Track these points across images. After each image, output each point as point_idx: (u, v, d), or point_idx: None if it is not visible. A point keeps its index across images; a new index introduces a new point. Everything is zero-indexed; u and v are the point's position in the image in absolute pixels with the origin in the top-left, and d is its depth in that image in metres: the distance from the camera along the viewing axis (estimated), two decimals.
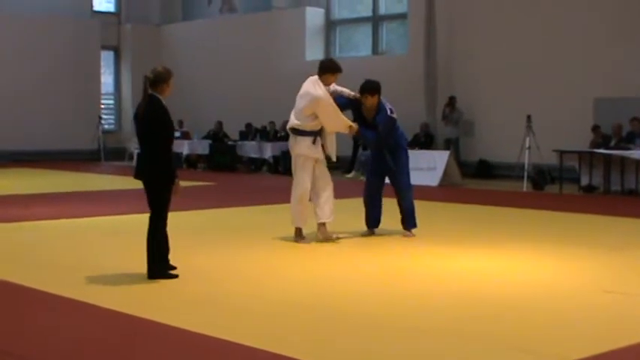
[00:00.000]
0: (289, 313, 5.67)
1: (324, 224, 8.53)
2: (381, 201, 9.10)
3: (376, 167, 9.08)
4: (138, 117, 6.71)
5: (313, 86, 8.52)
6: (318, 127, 8.48)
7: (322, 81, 8.58)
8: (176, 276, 6.67)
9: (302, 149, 8.48)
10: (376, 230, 9.08)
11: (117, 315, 5.54)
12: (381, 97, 8.96)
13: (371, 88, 8.90)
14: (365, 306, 5.89)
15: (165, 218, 6.71)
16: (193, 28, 25.39)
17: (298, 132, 8.51)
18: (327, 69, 8.73)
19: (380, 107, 8.90)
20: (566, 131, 15.95)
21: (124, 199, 13.40)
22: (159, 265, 6.66)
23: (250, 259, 7.71)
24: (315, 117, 8.44)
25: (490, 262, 7.70)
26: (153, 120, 6.61)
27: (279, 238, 8.82)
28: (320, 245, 8.46)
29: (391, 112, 8.87)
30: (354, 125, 8.72)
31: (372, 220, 9.08)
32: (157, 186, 6.64)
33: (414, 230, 9.01)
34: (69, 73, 24.29)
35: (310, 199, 8.59)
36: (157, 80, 6.68)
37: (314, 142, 8.44)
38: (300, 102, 8.54)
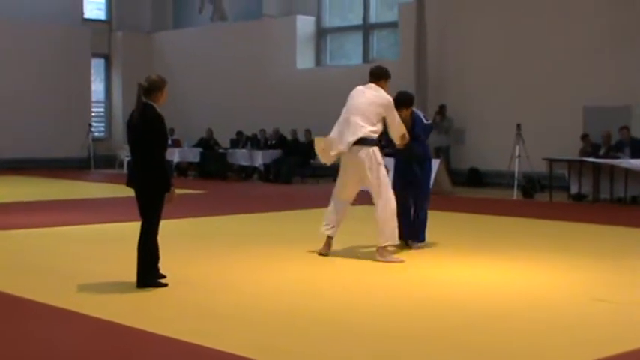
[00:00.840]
0: (278, 322, 5.67)
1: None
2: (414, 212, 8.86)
3: (402, 178, 8.93)
4: (131, 125, 6.69)
5: (378, 92, 8.32)
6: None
7: (381, 87, 8.39)
8: (165, 285, 6.65)
9: (379, 158, 8.23)
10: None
11: (105, 324, 5.52)
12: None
13: (405, 101, 8.79)
14: (356, 315, 5.89)
15: (156, 227, 6.69)
16: (184, 36, 25.41)
17: (369, 141, 8.19)
18: (385, 74, 8.58)
19: (415, 118, 8.83)
20: (556, 140, 16.02)
21: (113, 207, 13.38)
22: (149, 274, 6.64)
23: (242, 268, 7.70)
24: (382, 123, 8.21)
25: (481, 270, 7.72)
26: (146, 128, 6.58)
27: (270, 247, 8.81)
28: (313, 256, 8.45)
29: (426, 119, 8.83)
30: (407, 135, 8.53)
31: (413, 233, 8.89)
32: (148, 194, 6.62)
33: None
34: (59, 81, 24.22)
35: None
36: (151, 88, 6.68)
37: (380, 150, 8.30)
38: (368, 108, 8.23)
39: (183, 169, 21.86)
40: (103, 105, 26.64)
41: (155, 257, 6.70)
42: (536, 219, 11.90)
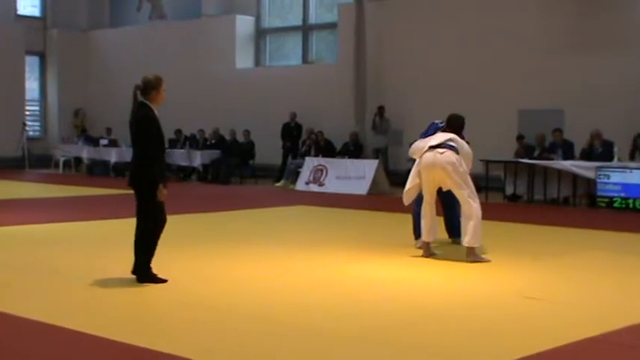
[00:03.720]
0: (217, 323, 5.66)
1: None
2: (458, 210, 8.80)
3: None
4: (129, 124, 6.90)
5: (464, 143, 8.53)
6: None
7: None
8: (165, 280, 6.76)
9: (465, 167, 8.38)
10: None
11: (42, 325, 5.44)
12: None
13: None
14: (292, 314, 5.91)
15: (148, 223, 6.79)
16: (122, 34, 25.10)
17: (456, 150, 8.35)
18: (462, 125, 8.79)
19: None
20: (492, 142, 16.25)
21: (47, 207, 13.16)
22: (145, 269, 6.78)
23: (181, 267, 7.64)
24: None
25: (413, 270, 7.81)
26: (137, 127, 6.78)
27: (209, 245, 8.77)
28: (252, 255, 8.45)
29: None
30: None
31: (454, 229, 9.05)
32: (138, 190, 6.78)
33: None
34: None
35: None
36: (146, 88, 6.85)
37: None
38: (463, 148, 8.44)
39: (120, 169, 21.59)
40: (38, 104, 26.14)
41: (150, 253, 6.80)
42: None
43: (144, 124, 6.74)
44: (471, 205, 8.20)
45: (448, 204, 9.09)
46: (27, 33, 24.79)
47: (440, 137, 8.50)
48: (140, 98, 6.83)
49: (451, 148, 8.32)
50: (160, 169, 6.81)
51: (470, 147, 8.63)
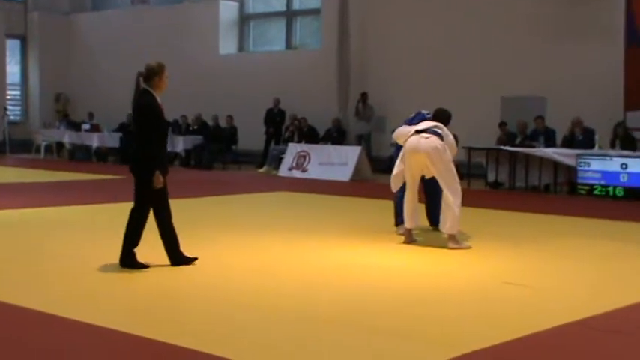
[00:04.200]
0: (198, 308, 5.69)
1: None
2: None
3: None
4: (132, 111, 6.96)
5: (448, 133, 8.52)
6: None
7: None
8: (147, 266, 6.79)
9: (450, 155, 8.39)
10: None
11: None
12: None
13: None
14: (273, 299, 5.93)
15: (142, 211, 6.84)
16: (104, 18, 24.92)
17: (442, 137, 8.35)
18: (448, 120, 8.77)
19: None
20: (475, 129, 16.31)
21: (29, 192, 13.10)
22: (177, 252, 6.89)
23: (163, 254, 7.64)
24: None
25: (394, 256, 7.86)
26: (140, 114, 6.82)
27: (190, 232, 8.76)
28: (230, 240, 8.46)
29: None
30: None
31: (435, 217, 9.04)
32: (143, 178, 6.78)
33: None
34: None
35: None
36: (149, 74, 6.87)
37: None
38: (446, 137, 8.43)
39: (103, 154, 21.54)
40: (19, 88, 25.92)
41: (136, 239, 6.83)
42: None
43: (145, 111, 6.77)
44: (452, 192, 8.25)
45: (431, 192, 9.12)
46: (8, 16, 24.58)
47: (426, 124, 8.54)
48: (143, 85, 6.87)
49: (436, 134, 8.35)
50: (161, 156, 6.84)
51: (455, 141, 8.67)
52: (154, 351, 4.64)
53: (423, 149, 8.26)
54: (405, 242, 8.51)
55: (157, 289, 6.24)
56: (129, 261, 6.80)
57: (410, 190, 8.51)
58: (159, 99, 6.85)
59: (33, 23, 25.47)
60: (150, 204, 6.85)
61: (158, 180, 6.72)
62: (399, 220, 8.96)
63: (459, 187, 8.34)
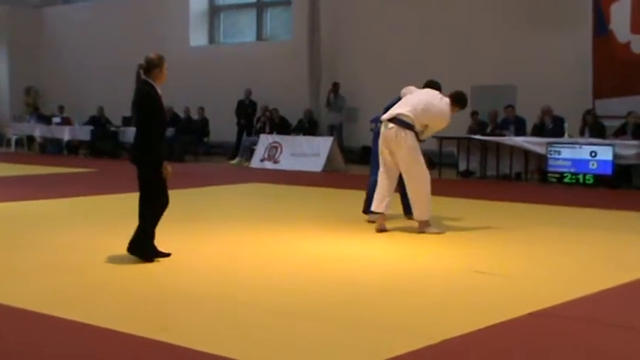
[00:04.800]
0: (165, 300, 5.69)
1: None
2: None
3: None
4: (132, 104, 7.02)
5: (446, 106, 8.61)
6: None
7: (451, 108, 8.65)
8: (169, 254, 6.88)
9: (415, 142, 8.44)
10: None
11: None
12: None
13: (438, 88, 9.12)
14: (247, 291, 5.94)
15: (149, 202, 6.84)
16: (75, 11, 24.72)
17: (407, 125, 8.43)
18: (463, 102, 8.91)
19: None
20: None
21: (1, 186, 12.99)
22: (142, 245, 6.84)
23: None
24: (425, 125, 8.53)
25: (365, 246, 7.89)
26: (142, 105, 6.88)
27: (161, 224, 8.74)
28: (201, 232, 8.46)
29: None
30: None
31: (409, 207, 9.01)
32: (146, 170, 6.81)
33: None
34: None
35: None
36: (149, 67, 6.97)
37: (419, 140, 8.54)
38: (422, 105, 8.53)
39: (73, 147, 21.39)
40: None
41: (150, 231, 6.85)
42: None
43: (147, 103, 6.84)
44: (415, 181, 8.40)
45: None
46: None
47: (398, 107, 8.63)
48: (143, 77, 6.93)
49: (401, 123, 8.41)
50: (163, 147, 6.90)
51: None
52: (135, 347, 4.64)
53: (383, 141, 8.54)
54: (376, 230, 8.56)
55: (138, 280, 6.23)
56: (151, 252, 6.85)
57: (381, 173, 8.63)
58: (159, 90, 6.91)
59: (3, 16, 25.16)
60: (157, 190, 6.84)
61: (167, 170, 6.80)
62: (367, 208, 9.05)
63: (423, 173, 8.44)
